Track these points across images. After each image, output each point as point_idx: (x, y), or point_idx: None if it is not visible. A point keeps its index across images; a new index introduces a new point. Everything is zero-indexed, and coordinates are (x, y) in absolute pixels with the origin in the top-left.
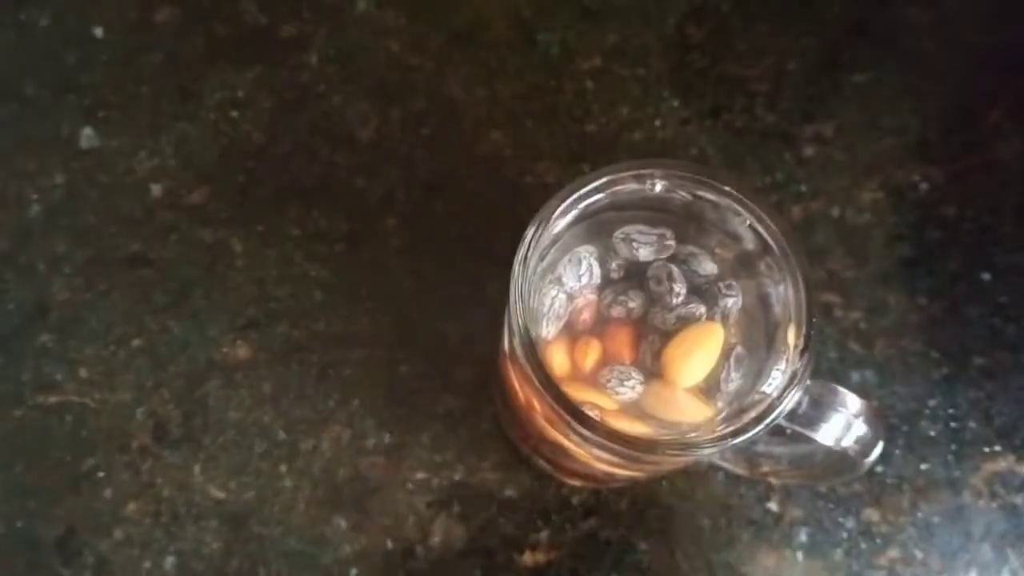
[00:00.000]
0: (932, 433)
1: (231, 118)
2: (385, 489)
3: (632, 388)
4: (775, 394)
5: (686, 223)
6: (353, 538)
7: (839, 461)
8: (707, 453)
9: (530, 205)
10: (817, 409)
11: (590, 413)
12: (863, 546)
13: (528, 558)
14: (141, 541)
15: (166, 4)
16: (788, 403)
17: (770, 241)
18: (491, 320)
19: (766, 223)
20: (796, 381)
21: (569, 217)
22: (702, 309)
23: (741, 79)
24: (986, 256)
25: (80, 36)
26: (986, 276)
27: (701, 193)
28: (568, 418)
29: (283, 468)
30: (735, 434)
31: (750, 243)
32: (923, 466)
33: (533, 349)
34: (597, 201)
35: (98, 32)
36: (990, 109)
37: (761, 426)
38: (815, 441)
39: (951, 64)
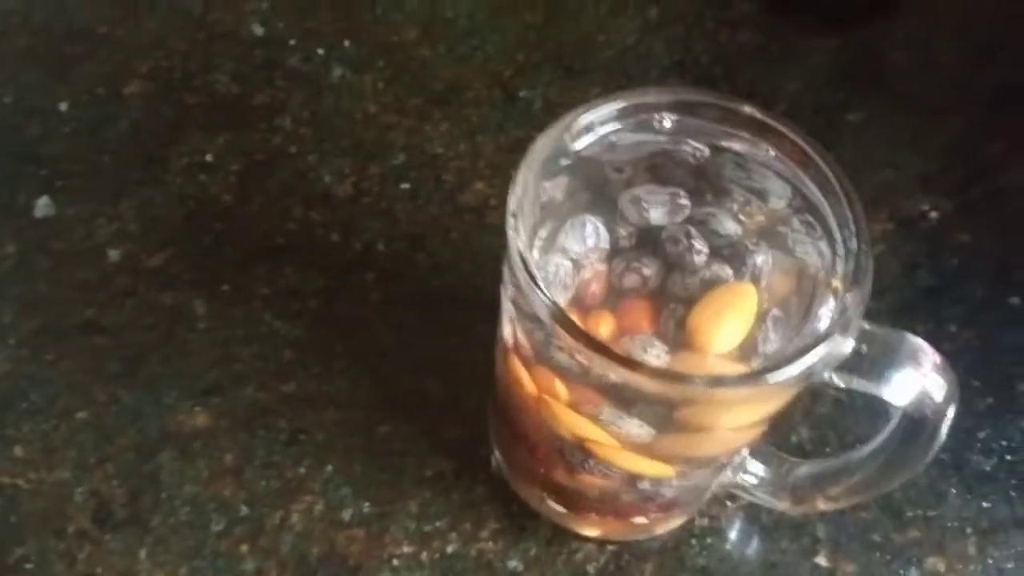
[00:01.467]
0: (987, 468)
1: (199, 181)
2: (366, 568)
3: (657, 357)
4: (819, 333)
5: (699, 182)
6: None
7: (906, 441)
8: (740, 393)
9: None
10: (880, 357)
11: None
12: None
13: None
14: None
15: (136, 78)
16: (836, 343)
17: (810, 187)
18: (482, 371)
19: (810, 161)
20: (845, 318)
21: (562, 176)
22: (728, 271)
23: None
24: (1012, 281)
25: (43, 111)
26: (1015, 300)
27: (723, 136)
28: (614, 363)
29: (244, 548)
30: (770, 369)
31: (781, 198)
32: (984, 504)
33: (558, 309)
34: (596, 142)
35: (63, 107)
36: (990, 142)
37: (808, 358)
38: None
39: (943, 102)
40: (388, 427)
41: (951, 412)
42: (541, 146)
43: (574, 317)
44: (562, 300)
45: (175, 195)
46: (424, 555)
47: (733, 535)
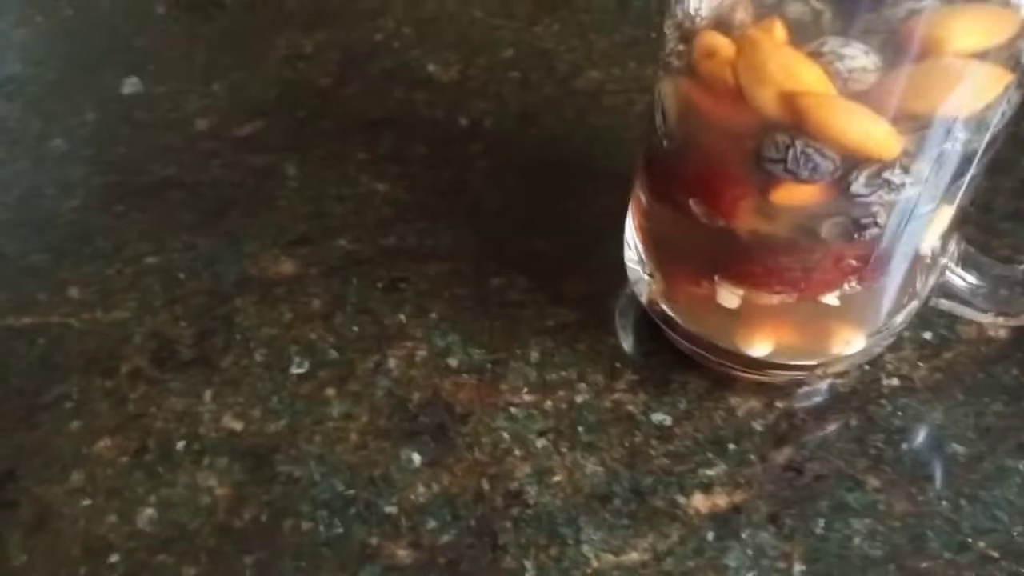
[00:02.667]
0: None
1: (296, 68)
2: (477, 415)
3: (866, 52)
4: None
5: None
6: (431, 478)
7: None
8: None
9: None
10: None
11: None
12: None
13: (700, 502)
14: (108, 487)
15: None
16: None
17: None
18: (606, 235)
19: None
20: None
21: None
22: None
23: None
24: None
25: (140, 11)
26: None
27: None
28: None
29: (330, 392)
30: None
31: None
32: None
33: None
34: None
35: (160, 9)
36: None
37: None
38: None
39: None
40: (501, 279)
41: None
42: None
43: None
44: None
45: (271, 78)
46: (548, 403)
47: (931, 396)
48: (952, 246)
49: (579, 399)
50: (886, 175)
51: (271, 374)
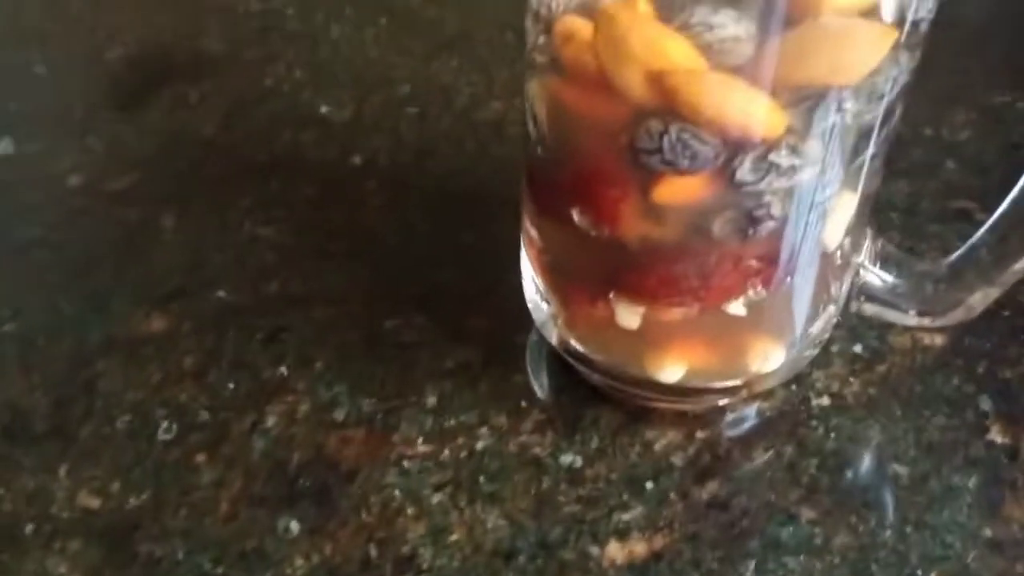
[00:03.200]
0: None
1: (178, 117)
2: (365, 472)
3: (736, 19)
4: None
5: None
6: (312, 548)
7: None
8: None
9: None
10: None
11: None
12: None
13: (615, 551)
14: None
15: (119, 45)
16: None
17: None
18: (509, 266)
19: None
20: None
21: None
22: None
23: None
24: None
25: (17, 71)
26: None
27: None
28: None
29: (201, 458)
30: None
31: None
32: None
33: None
34: None
35: (38, 69)
36: None
37: None
38: None
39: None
40: (396, 320)
41: None
42: None
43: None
44: None
45: (152, 129)
46: (446, 453)
47: (866, 413)
48: (866, 243)
49: (480, 445)
50: (772, 157)
51: (134, 443)
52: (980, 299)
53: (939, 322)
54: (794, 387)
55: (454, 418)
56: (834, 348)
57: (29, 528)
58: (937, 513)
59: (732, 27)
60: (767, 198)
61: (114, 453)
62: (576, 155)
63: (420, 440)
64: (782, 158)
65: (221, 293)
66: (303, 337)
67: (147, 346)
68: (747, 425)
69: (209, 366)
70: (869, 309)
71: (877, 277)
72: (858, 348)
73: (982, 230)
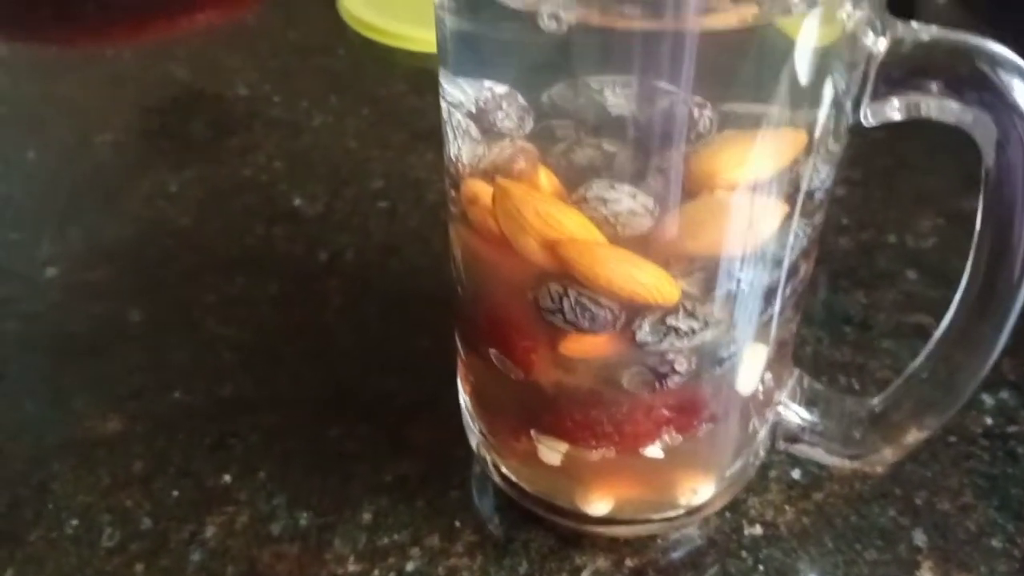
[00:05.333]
0: None
1: (157, 207)
2: None
3: (633, 195)
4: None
5: None
6: None
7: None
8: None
9: None
10: (940, 65)
11: None
12: None
13: None
14: None
15: (108, 130)
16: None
17: None
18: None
19: None
20: None
21: None
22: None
23: None
24: None
25: (8, 160)
26: None
27: None
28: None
29: (139, 568)
30: None
31: None
32: None
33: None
34: None
35: (30, 155)
36: None
37: None
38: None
39: None
40: (339, 429)
41: None
42: None
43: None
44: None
45: (129, 218)
46: (375, 574)
47: (797, 544)
48: (790, 381)
49: (410, 567)
50: (670, 321)
51: (79, 549)
52: (911, 440)
53: (866, 464)
54: (728, 514)
55: (387, 536)
56: (772, 473)
57: None
58: None
59: (627, 202)
60: (671, 356)
61: (59, 558)
62: (489, 303)
63: (352, 559)
64: (680, 322)
65: (177, 394)
66: (249, 444)
67: (101, 448)
68: (677, 554)
69: (156, 472)
70: (795, 448)
71: (798, 416)
72: (796, 474)
73: (907, 371)
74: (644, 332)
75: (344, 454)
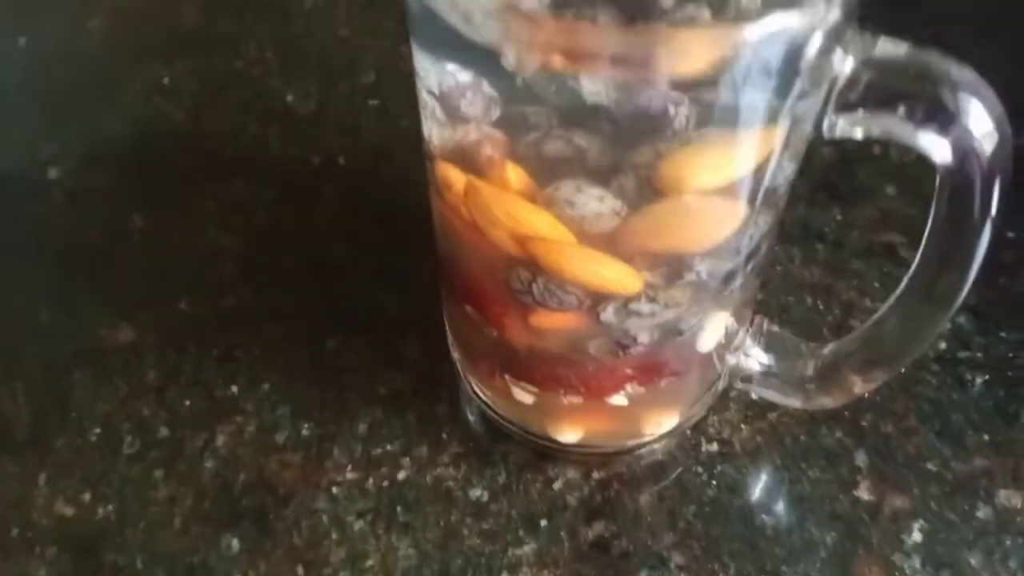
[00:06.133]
0: None
1: (153, 103)
2: (299, 497)
3: (600, 198)
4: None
5: None
6: (248, 565)
7: (952, 219)
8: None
9: None
10: (896, 85)
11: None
12: (1007, 543)
13: None
14: None
15: (97, 14)
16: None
17: None
18: None
19: None
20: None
21: None
22: (706, 12)
23: None
24: None
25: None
26: None
27: None
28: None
29: (158, 474)
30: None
31: None
32: None
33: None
34: None
35: (21, 41)
36: None
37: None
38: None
39: None
40: (337, 341)
41: (1005, 168)
42: None
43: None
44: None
45: (125, 116)
46: (370, 482)
47: (748, 462)
48: (751, 327)
49: (401, 476)
50: (633, 307)
51: (102, 455)
52: (858, 390)
53: (814, 406)
54: (688, 432)
55: (381, 447)
56: (732, 393)
57: (15, 532)
58: (792, 566)
59: (594, 205)
60: (634, 332)
61: (85, 465)
62: (464, 269)
63: (349, 467)
64: (642, 306)
65: (183, 305)
66: (253, 356)
67: (115, 358)
68: (639, 468)
69: (169, 382)
70: (750, 388)
71: (756, 361)
72: (755, 395)
73: (862, 327)
74: (608, 314)
75: (340, 367)
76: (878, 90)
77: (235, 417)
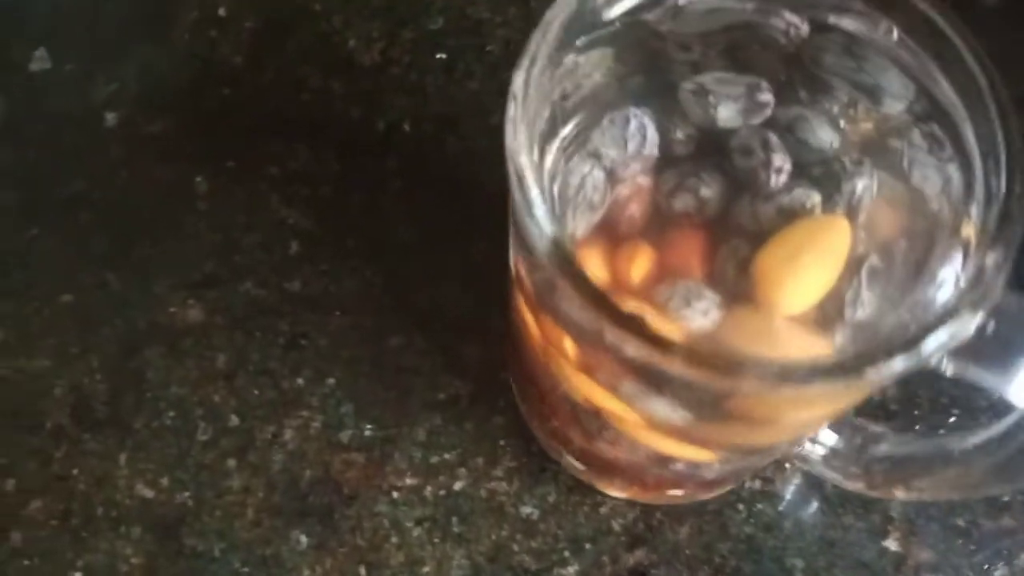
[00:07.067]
0: None
1: (208, 37)
2: (362, 498)
3: (705, 312)
4: (940, 308)
5: (791, 71)
6: (316, 561)
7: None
8: (819, 389)
9: None
10: (1009, 342)
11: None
12: None
13: None
14: (43, 549)
15: None
16: (964, 322)
17: (945, 91)
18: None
19: (946, 59)
20: (979, 288)
21: (600, 49)
22: (816, 198)
23: None
24: None
25: None
26: None
27: (830, 9)
28: (613, 327)
29: (231, 463)
30: (867, 361)
31: (900, 99)
32: None
33: (560, 245)
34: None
35: None
36: None
37: (914, 354)
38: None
39: None
40: (400, 338)
41: None
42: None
43: (596, 252)
44: (586, 224)
45: (181, 53)
46: (428, 490)
47: (788, 503)
48: None
49: (457, 486)
50: (703, 463)
51: (178, 440)
52: (927, 497)
53: (871, 494)
54: None
55: (439, 455)
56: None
57: (100, 511)
58: None
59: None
60: (702, 472)
61: (163, 448)
62: (535, 375)
63: (409, 474)
64: (714, 466)
65: (249, 285)
66: (319, 347)
67: (186, 338)
68: (681, 507)
69: (238, 368)
70: (811, 468)
71: (822, 441)
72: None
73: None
74: (680, 466)
75: (402, 367)
76: (994, 345)
77: (301, 412)
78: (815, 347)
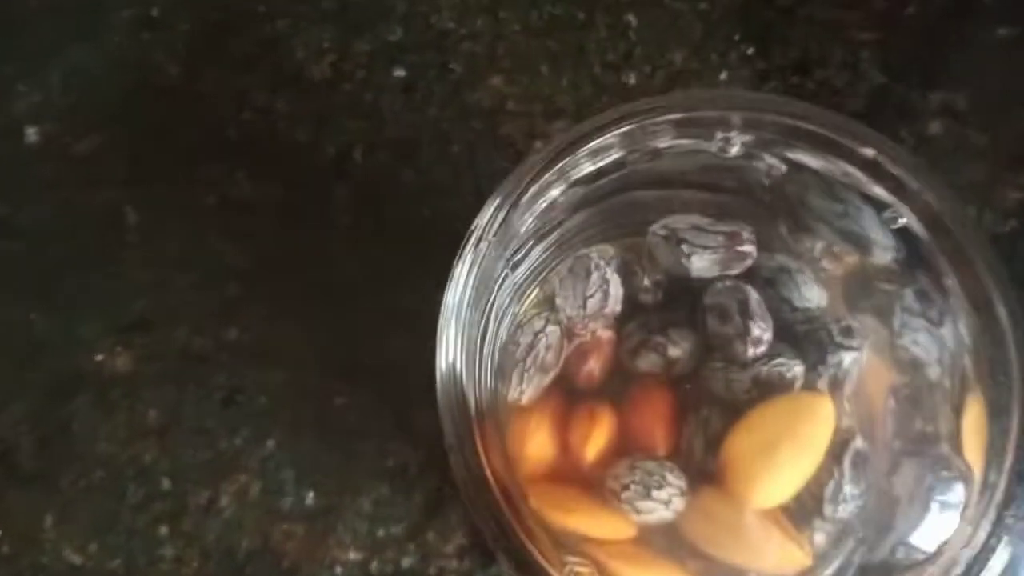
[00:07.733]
0: None
1: (141, 41)
2: (303, 572)
3: (667, 503)
4: (947, 550)
5: (774, 214)
6: None
7: None
8: None
9: None
10: None
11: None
12: None
13: None
14: None
15: None
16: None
17: (933, 248)
18: None
19: (934, 213)
20: (991, 527)
21: (566, 192)
22: (797, 369)
23: (840, 24)
24: None
25: None
26: None
27: (809, 160)
28: None
29: (164, 530)
30: None
31: (888, 250)
32: None
33: (468, 434)
34: (613, 165)
35: None
36: None
37: None
38: None
39: None
40: (345, 398)
41: None
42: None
43: (547, 419)
44: (536, 387)
45: (113, 60)
46: (374, 565)
47: None
48: None
49: (405, 563)
50: None
51: (107, 502)
52: None
53: None
54: None
55: (385, 528)
56: None
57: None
58: None
59: (660, 510)
60: None
61: (91, 510)
62: None
63: (353, 547)
64: None
65: (182, 332)
66: (258, 405)
67: (114, 389)
68: None
69: (170, 425)
70: None
71: None
72: None
73: None
74: None
75: (349, 430)
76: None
77: (239, 475)
78: (788, 548)
